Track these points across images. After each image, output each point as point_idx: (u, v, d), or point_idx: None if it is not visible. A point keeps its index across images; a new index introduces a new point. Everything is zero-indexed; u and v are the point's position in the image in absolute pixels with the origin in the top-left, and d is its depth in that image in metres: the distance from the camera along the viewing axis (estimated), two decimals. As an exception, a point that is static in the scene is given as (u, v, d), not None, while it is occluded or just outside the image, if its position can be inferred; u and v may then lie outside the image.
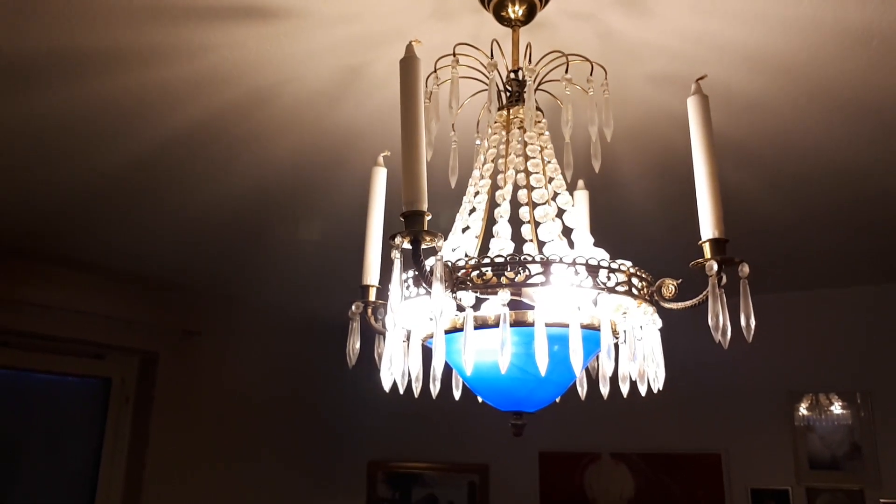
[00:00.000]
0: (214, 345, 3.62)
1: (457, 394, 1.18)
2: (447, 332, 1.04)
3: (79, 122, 1.76)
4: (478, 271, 0.97)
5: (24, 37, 1.39)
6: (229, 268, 3.20)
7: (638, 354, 1.06)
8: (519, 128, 1.18)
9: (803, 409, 3.18)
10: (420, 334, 1.08)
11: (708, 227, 0.99)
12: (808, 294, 3.27)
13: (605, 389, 1.04)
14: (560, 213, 1.13)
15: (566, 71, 1.16)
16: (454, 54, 1.16)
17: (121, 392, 3.36)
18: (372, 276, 1.25)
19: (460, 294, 0.97)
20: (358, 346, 1.18)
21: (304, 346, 4.08)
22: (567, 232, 1.14)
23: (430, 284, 0.91)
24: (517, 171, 1.16)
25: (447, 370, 1.02)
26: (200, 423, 3.51)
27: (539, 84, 1.19)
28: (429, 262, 0.95)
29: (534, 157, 1.15)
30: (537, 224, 1.11)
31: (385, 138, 1.76)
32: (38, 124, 1.77)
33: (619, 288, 0.99)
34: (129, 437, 3.32)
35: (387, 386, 1.07)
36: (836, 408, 3.12)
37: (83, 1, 1.28)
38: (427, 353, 1.00)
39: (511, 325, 0.96)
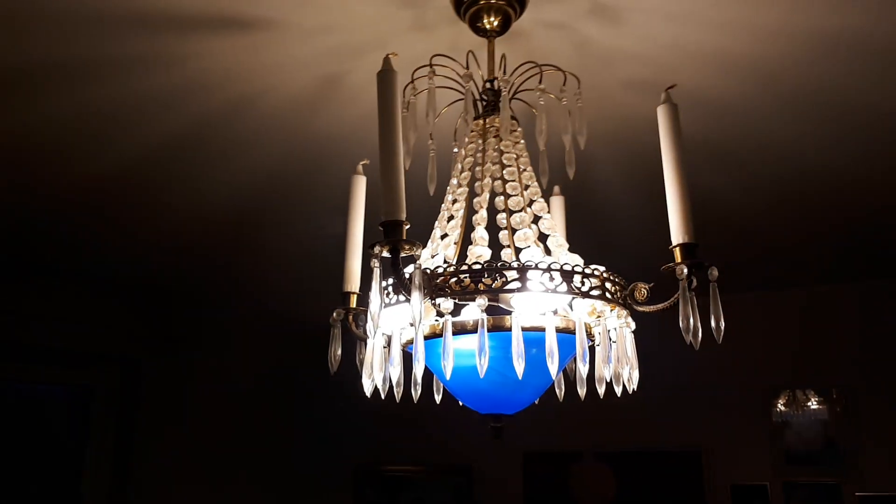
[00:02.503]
0: (197, 351, 3.61)
1: (437, 398, 1.20)
2: (427, 337, 1.06)
3: (58, 132, 1.76)
4: (456, 278, 0.99)
5: (2, 49, 1.39)
6: (212, 274, 3.20)
7: (612, 356, 1.08)
8: (495, 136, 1.21)
9: (780, 406, 3.23)
10: (400, 340, 1.10)
11: (678, 232, 1.01)
12: (785, 292, 3.32)
13: (581, 391, 1.06)
14: (536, 219, 1.15)
15: (540, 81, 1.18)
16: (431, 65, 1.19)
17: (103, 401, 3.33)
18: (353, 283, 1.27)
19: (439, 300, 0.99)
20: (339, 352, 1.20)
21: (288, 350, 4.07)
22: (543, 238, 1.16)
23: (409, 292, 0.93)
24: (494, 179, 1.18)
25: (428, 375, 1.05)
26: (185, 429, 3.49)
27: (514, 94, 1.22)
28: (408, 270, 0.97)
29: (510, 165, 1.17)
30: (513, 230, 1.14)
31: (364, 146, 1.77)
32: (16, 134, 1.77)
33: (592, 292, 1.01)
34: (113, 446, 3.29)
35: (368, 392, 1.09)
36: (813, 404, 3.18)
37: (60, 13, 1.29)
38: (408, 359, 1.02)
39: (489, 330, 0.99)
